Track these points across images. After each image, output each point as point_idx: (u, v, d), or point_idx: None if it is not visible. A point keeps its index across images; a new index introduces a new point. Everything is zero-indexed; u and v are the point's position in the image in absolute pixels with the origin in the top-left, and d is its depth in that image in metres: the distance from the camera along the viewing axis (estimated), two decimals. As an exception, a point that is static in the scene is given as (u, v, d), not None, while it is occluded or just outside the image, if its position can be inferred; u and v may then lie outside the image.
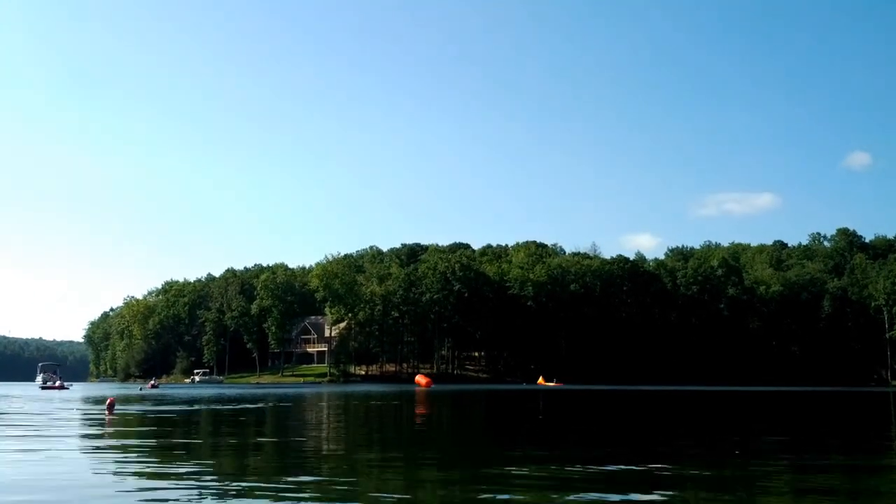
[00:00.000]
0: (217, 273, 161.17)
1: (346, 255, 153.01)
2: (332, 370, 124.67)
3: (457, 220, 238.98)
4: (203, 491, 6.16)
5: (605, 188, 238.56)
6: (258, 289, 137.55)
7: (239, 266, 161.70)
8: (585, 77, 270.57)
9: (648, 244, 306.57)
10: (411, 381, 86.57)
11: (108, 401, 21.02)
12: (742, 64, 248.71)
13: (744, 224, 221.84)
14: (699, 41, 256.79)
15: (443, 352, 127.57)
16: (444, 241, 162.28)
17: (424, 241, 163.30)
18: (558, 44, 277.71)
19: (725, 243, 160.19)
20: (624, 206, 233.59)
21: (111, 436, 12.35)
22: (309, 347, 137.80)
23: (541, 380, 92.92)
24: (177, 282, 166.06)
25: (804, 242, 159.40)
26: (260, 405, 24.62)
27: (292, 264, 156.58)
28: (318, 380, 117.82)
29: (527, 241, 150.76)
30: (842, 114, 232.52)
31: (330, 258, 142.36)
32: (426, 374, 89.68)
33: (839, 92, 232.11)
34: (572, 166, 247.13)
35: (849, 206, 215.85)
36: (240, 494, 6.05)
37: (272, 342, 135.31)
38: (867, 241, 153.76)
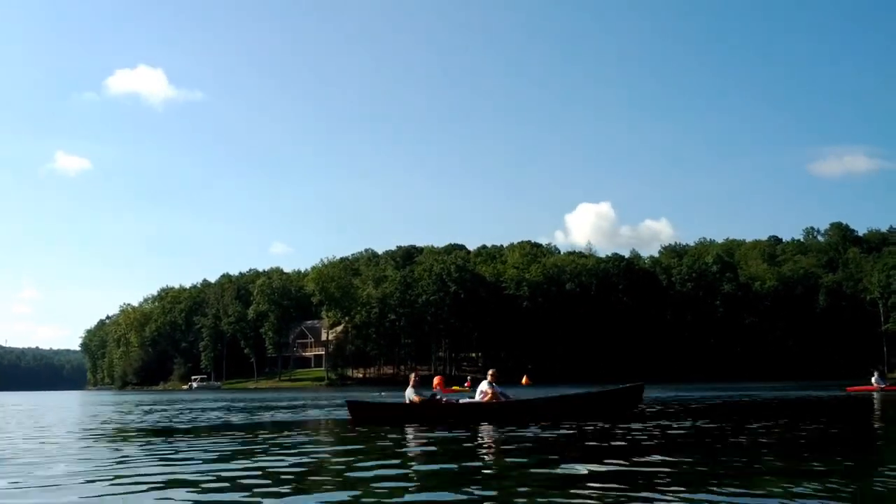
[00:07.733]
0: (213, 279, 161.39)
1: (341, 259, 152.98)
2: (329, 374, 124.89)
3: (451, 221, 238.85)
4: None
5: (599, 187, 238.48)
6: (254, 294, 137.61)
7: (234, 271, 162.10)
8: (581, 77, 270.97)
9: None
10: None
11: None
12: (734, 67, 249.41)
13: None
14: (710, 37, 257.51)
15: (440, 353, 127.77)
16: (440, 242, 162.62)
17: (420, 243, 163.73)
18: (555, 46, 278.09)
19: (720, 239, 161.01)
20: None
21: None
22: (306, 352, 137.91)
23: (525, 379, 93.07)
24: (173, 288, 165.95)
25: (798, 237, 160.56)
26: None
27: (288, 268, 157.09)
28: (315, 384, 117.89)
29: (521, 241, 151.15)
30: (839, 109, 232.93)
31: (325, 262, 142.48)
32: (436, 376, 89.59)
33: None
34: (567, 165, 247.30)
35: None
36: None
37: (269, 347, 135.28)
38: (860, 234, 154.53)
